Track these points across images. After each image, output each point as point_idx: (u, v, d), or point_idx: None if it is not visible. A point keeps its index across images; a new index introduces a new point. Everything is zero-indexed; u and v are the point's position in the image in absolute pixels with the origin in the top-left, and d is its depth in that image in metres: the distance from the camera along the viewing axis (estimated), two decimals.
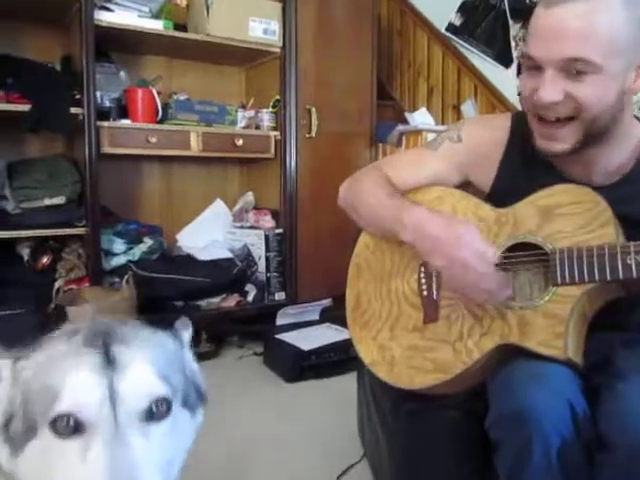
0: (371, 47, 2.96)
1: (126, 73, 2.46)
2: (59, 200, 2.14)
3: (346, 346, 1.97)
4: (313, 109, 2.66)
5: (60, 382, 0.53)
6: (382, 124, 3.10)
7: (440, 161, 1.19)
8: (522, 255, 1.00)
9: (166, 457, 0.56)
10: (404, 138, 2.86)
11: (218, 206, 2.89)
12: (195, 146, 2.39)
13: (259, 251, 2.68)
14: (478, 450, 0.99)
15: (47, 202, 2.13)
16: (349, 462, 1.57)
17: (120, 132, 2.23)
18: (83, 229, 2.17)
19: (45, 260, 2.19)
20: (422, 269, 1.12)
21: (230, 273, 2.58)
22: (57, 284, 1.97)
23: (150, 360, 0.57)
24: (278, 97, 2.62)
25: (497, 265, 0.97)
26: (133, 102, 2.27)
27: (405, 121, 3.04)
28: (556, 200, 0.98)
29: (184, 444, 0.61)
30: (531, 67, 0.96)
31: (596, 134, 0.97)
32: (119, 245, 2.35)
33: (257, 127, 2.62)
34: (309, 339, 2.35)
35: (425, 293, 1.10)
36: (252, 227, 2.74)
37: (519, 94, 0.98)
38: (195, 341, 2.19)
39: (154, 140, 2.27)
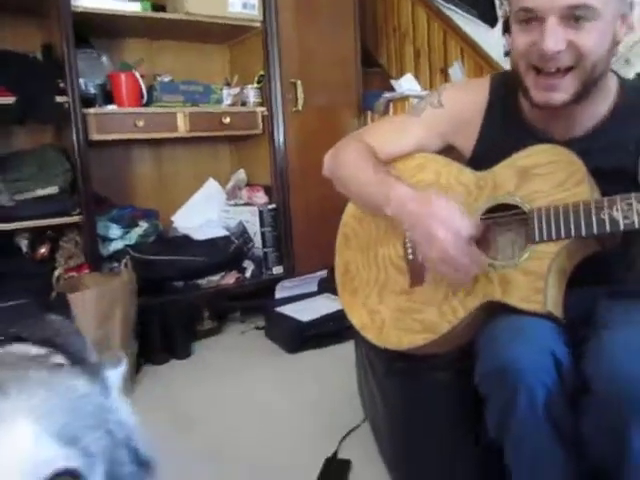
0: (353, 15, 2.94)
1: (108, 58, 2.45)
2: (52, 190, 2.16)
3: (344, 315, 2.01)
4: (298, 82, 2.66)
5: None
6: (370, 92, 3.09)
7: (422, 127, 1.21)
8: (501, 216, 1.03)
9: None
10: (391, 105, 2.86)
11: (211, 185, 2.91)
12: (182, 127, 2.40)
13: (254, 227, 2.71)
14: (470, 408, 1.03)
15: (40, 193, 2.15)
16: (351, 426, 1.63)
17: (107, 118, 2.23)
18: (78, 217, 2.19)
19: (43, 250, 2.22)
20: (407, 235, 1.15)
21: (227, 251, 2.61)
22: (57, 272, 1.99)
23: (41, 413, 0.38)
24: (262, 72, 2.62)
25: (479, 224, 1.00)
26: (117, 87, 2.27)
27: (392, 88, 3.03)
28: (533, 160, 1.01)
29: None
30: (526, 20, 0.96)
31: (592, 84, 0.99)
32: (115, 230, 2.38)
33: (243, 104, 2.62)
34: (308, 310, 2.39)
35: (411, 257, 1.13)
36: (246, 204, 2.76)
37: (506, 54, 0.98)
38: (197, 320, 2.25)
39: (141, 124, 2.27)
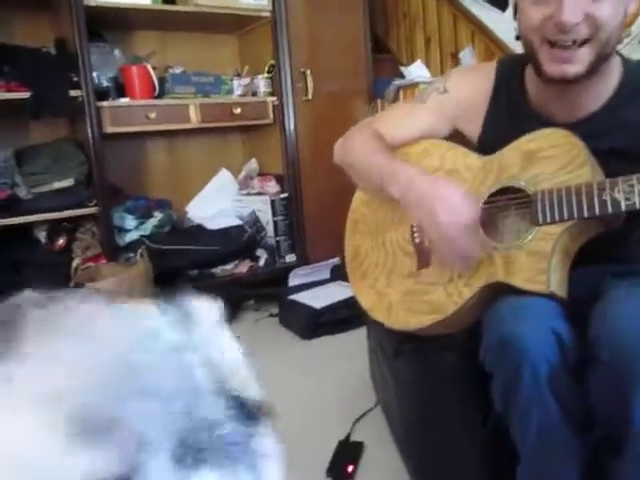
0: (362, 1, 2.93)
1: (120, 51, 2.49)
2: (68, 183, 2.21)
3: (357, 302, 2.04)
4: (308, 71, 2.67)
5: None
6: (380, 79, 3.09)
7: (429, 113, 1.22)
8: (507, 199, 1.05)
9: None
10: (401, 92, 2.86)
11: (223, 175, 2.94)
12: (194, 118, 2.43)
13: (267, 216, 2.74)
14: (478, 387, 1.05)
15: (57, 185, 2.20)
16: (364, 409, 1.66)
17: (120, 111, 2.28)
18: (94, 209, 2.24)
19: (61, 241, 2.27)
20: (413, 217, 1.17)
21: (240, 240, 2.65)
22: (74, 263, 2.05)
23: (64, 387, 0.27)
24: (272, 62, 2.63)
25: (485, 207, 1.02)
26: (130, 80, 2.30)
27: (402, 75, 3.03)
28: (538, 144, 1.02)
29: None
30: None
31: (604, 58, 0.99)
32: (130, 221, 2.42)
33: (254, 94, 2.65)
34: (321, 297, 2.43)
35: (417, 241, 1.16)
36: (258, 193, 2.80)
37: (517, 38, 0.98)
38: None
39: (153, 116, 2.31)
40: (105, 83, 2.33)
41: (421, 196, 1.02)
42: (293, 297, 2.49)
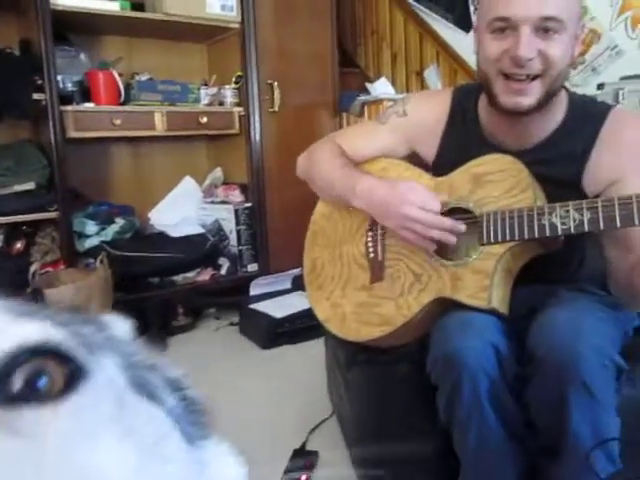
0: (331, 17, 2.99)
1: (86, 55, 2.47)
2: (29, 186, 2.18)
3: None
4: (275, 84, 2.71)
5: None
6: (346, 93, 3.15)
7: (388, 134, 1.28)
8: (456, 219, 1.10)
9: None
10: (366, 108, 2.93)
11: (188, 183, 2.94)
12: (160, 126, 2.43)
13: (230, 225, 2.75)
14: (426, 397, 1.10)
15: (17, 188, 2.17)
16: (320, 418, 1.70)
17: (84, 116, 2.26)
18: (55, 213, 2.22)
19: (19, 245, 2.24)
20: (369, 234, 1.22)
21: (203, 248, 2.65)
22: (32, 268, 2.02)
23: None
24: (240, 73, 2.66)
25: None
26: (95, 85, 2.30)
27: (367, 90, 3.10)
28: (485, 168, 1.08)
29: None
30: (500, 30, 1.03)
31: (553, 93, 1.06)
32: (91, 227, 2.40)
33: (221, 103, 2.67)
34: (282, 307, 2.45)
35: (372, 255, 1.21)
36: (222, 202, 2.81)
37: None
38: (172, 315, 2.28)
39: (119, 122, 2.31)
40: (70, 87, 2.31)
41: (384, 202, 1.08)
42: (254, 306, 2.51)
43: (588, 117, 1.10)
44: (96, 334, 0.30)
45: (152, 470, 0.28)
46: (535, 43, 0.99)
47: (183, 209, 2.86)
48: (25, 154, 2.26)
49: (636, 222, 0.86)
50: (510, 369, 0.95)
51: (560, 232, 0.94)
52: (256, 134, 2.70)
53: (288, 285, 2.70)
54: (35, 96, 2.15)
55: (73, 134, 2.22)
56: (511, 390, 0.95)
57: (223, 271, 2.70)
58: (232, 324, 2.60)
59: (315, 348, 2.17)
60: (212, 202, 2.86)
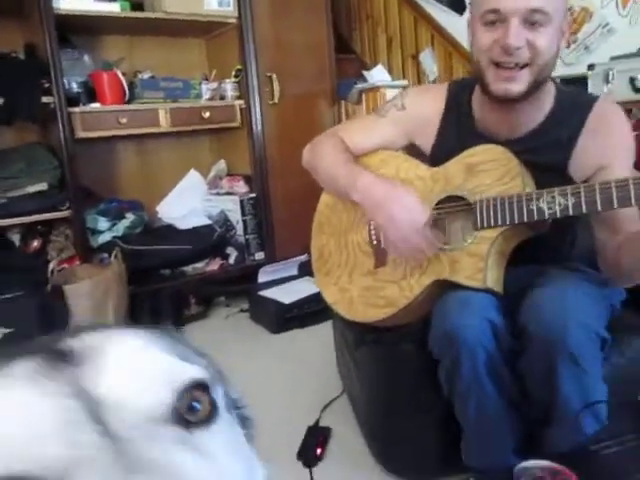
0: (325, 5, 3.03)
1: (90, 57, 2.54)
2: (42, 187, 2.27)
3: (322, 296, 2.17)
4: (274, 76, 2.77)
5: None
6: (343, 81, 3.21)
7: (388, 127, 1.36)
8: (453, 206, 1.19)
9: None
10: (363, 95, 2.99)
11: (193, 176, 3.02)
12: (164, 122, 2.51)
13: (236, 215, 2.84)
14: (429, 372, 1.19)
15: (30, 189, 2.26)
16: (331, 396, 1.79)
17: (91, 116, 2.34)
18: (67, 212, 2.31)
19: (36, 244, 2.33)
20: (371, 222, 1.30)
21: (210, 238, 2.74)
22: (51, 265, 2.11)
23: (154, 341, 0.35)
24: (239, 67, 2.72)
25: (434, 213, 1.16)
26: (100, 86, 2.37)
27: (364, 78, 3.15)
28: (478, 159, 1.16)
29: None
30: (490, 22, 1.10)
31: (541, 81, 1.14)
32: (103, 223, 2.49)
33: (222, 97, 2.74)
34: (289, 293, 2.54)
35: (375, 242, 1.29)
36: (227, 193, 2.89)
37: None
38: (184, 305, 2.37)
39: (124, 120, 2.38)
40: (75, 88, 2.38)
41: (380, 200, 1.17)
42: (262, 293, 2.60)
43: (575, 107, 1.17)
44: (212, 369, 0.38)
45: (249, 470, 0.35)
46: (523, 33, 1.07)
47: (189, 201, 2.94)
48: (35, 156, 2.34)
49: (615, 205, 0.94)
50: (506, 343, 1.04)
51: (547, 216, 1.02)
52: (257, 126, 2.77)
53: (295, 271, 2.79)
54: (43, 99, 2.22)
55: (82, 134, 2.30)
56: (507, 362, 1.04)
57: (231, 260, 2.79)
58: (242, 311, 2.69)
59: (323, 331, 2.26)
60: (217, 194, 2.94)
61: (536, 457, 0.83)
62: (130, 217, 2.59)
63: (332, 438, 1.63)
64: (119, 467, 0.26)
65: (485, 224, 1.10)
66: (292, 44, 2.88)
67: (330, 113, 3.09)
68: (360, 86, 2.96)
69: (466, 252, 1.12)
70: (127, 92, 2.43)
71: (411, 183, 1.25)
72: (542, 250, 1.18)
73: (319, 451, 1.57)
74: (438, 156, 1.27)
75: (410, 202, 1.14)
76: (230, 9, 2.64)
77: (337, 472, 1.50)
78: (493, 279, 1.08)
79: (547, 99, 1.20)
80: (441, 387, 1.12)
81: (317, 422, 1.69)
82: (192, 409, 0.32)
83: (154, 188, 2.88)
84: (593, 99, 1.19)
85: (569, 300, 1.00)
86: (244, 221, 2.81)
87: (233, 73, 2.76)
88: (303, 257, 2.78)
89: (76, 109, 2.29)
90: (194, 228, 2.73)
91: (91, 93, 2.41)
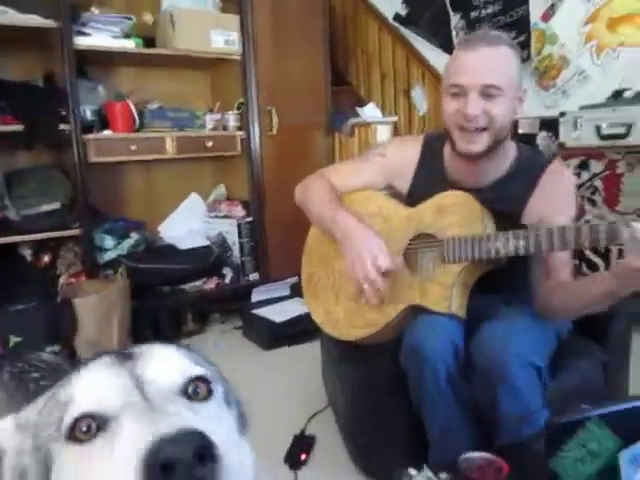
0: (323, 44, 3.26)
1: (103, 87, 2.73)
2: (55, 206, 2.44)
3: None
4: (273, 110, 2.99)
5: (70, 390, 0.51)
6: (338, 114, 3.43)
7: (370, 171, 1.57)
8: (425, 242, 1.38)
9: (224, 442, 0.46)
10: (356, 129, 3.21)
11: (194, 199, 3.21)
12: (170, 149, 2.70)
13: (233, 237, 3.02)
14: (402, 384, 1.37)
15: (45, 208, 2.43)
16: (317, 408, 1.96)
17: (104, 143, 2.53)
18: (78, 230, 2.48)
19: (46, 259, 2.50)
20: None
21: (208, 259, 2.92)
22: (61, 280, 2.28)
23: (178, 351, 0.57)
24: (242, 100, 2.93)
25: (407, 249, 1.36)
26: (113, 115, 2.56)
27: (357, 114, 3.38)
28: (446, 202, 1.37)
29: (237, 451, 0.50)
30: (454, 94, 1.31)
31: (498, 142, 1.34)
32: (109, 241, 2.66)
33: (224, 128, 2.94)
34: (281, 312, 2.72)
35: None
36: (225, 216, 3.08)
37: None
38: (182, 321, 2.55)
39: (134, 147, 2.58)
40: (90, 117, 2.56)
41: (353, 241, 1.38)
42: (255, 312, 2.78)
43: (530, 168, 1.38)
44: (214, 371, 0.60)
45: (230, 435, 0.53)
46: (480, 104, 1.28)
47: (190, 223, 3.12)
48: (49, 177, 2.52)
49: (556, 247, 1.14)
50: (464, 361, 1.23)
51: (502, 255, 1.22)
52: (256, 155, 2.98)
53: (286, 292, 2.97)
54: (60, 126, 2.41)
55: (94, 159, 2.49)
56: (464, 376, 1.23)
57: (227, 280, 2.96)
58: (236, 328, 2.86)
59: (310, 349, 2.44)
60: (216, 216, 3.12)
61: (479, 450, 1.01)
62: (134, 236, 2.77)
63: (316, 445, 1.80)
64: (149, 411, 0.47)
65: (451, 259, 1.29)
66: (291, 80, 3.10)
67: (325, 144, 3.30)
68: (354, 120, 3.18)
69: (435, 282, 1.31)
70: (137, 121, 2.62)
71: (390, 222, 1.46)
72: (501, 281, 1.37)
73: (304, 457, 1.74)
74: (413, 196, 1.48)
75: (378, 250, 1.35)
76: (235, 47, 2.86)
77: (320, 475, 1.66)
78: (457, 305, 1.27)
79: (507, 158, 1.40)
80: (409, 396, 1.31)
81: (303, 431, 1.85)
82: (195, 392, 0.53)
83: (157, 209, 3.06)
84: (546, 162, 1.40)
85: (510, 335, 1.20)
86: (240, 243, 3.00)
87: (235, 105, 2.97)
88: (294, 279, 2.95)
89: (90, 136, 2.48)
90: (193, 248, 2.91)
91: (104, 121, 2.60)
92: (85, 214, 2.49)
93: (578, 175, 3.14)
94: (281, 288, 2.98)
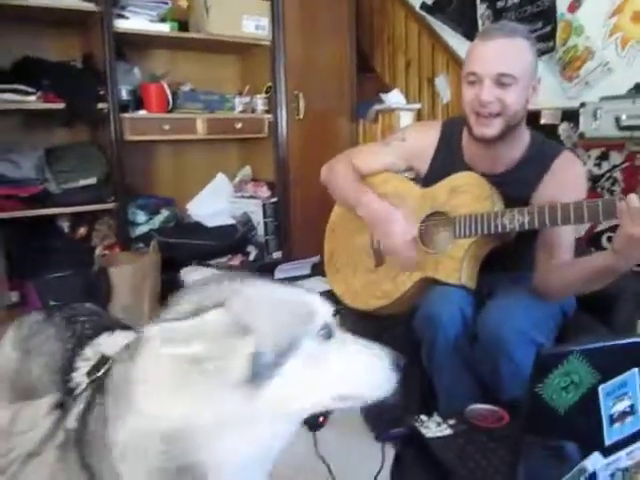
0: (349, 31, 3.35)
1: (139, 68, 2.86)
2: (92, 181, 2.58)
3: (332, 295, 2.45)
4: (300, 94, 3.09)
5: (311, 307, 0.70)
6: (363, 101, 3.52)
7: (390, 154, 1.67)
8: (438, 219, 1.49)
9: None
10: (380, 115, 3.29)
11: (221, 179, 3.33)
12: (201, 130, 2.83)
13: (258, 217, 3.15)
14: (417, 349, 1.48)
15: (82, 183, 2.57)
16: None
17: (139, 122, 2.66)
18: (112, 204, 2.62)
19: (82, 231, 2.65)
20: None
21: (234, 237, 3.04)
22: (97, 251, 2.43)
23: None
24: (270, 84, 3.04)
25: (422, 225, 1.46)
26: (148, 96, 2.69)
27: (382, 100, 3.46)
28: (458, 182, 1.47)
29: None
30: (471, 82, 1.40)
31: (512, 127, 1.42)
32: (141, 216, 2.81)
33: (253, 111, 3.05)
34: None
35: (375, 246, 1.60)
36: (251, 197, 3.20)
37: None
38: None
39: (167, 127, 2.70)
40: (125, 97, 2.69)
41: (378, 218, 1.50)
42: None
43: (543, 154, 1.46)
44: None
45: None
46: (495, 91, 1.36)
47: (217, 202, 3.25)
48: (87, 153, 2.66)
49: (559, 222, 1.23)
50: (471, 327, 1.33)
51: (508, 229, 1.32)
52: (283, 138, 3.09)
53: (308, 271, 3.09)
54: (98, 105, 2.55)
55: (129, 137, 2.62)
56: (470, 342, 1.34)
57: (251, 257, 3.09)
58: None
59: None
60: (242, 196, 3.25)
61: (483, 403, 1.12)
62: (165, 213, 2.91)
63: (334, 411, 1.92)
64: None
65: (462, 234, 1.40)
66: (318, 66, 3.20)
67: (349, 130, 3.39)
68: (377, 107, 3.26)
69: (447, 256, 1.42)
70: (170, 102, 2.74)
71: (405, 200, 1.56)
72: (510, 260, 1.46)
73: (322, 419, 1.86)
74: (431, 178, 1.58)
75: (402, 221, 1.46)
76: (265, 33, 2.96)
77: (337, 437, 1.79)
78: (467, 277, 1.37)
79: (521, 144, 1.48)
80: (422, 360, 1.42)
81: None
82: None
83: (186, 188, 3.19)
84: (559, 150, 1.47)
85: (511, 311, 1.29)
86: (265, 223, 3.12)
87: (264, 89, 3.07)
88: (316, 258, 3.07)
89: (126, 115, 2.61)
90: (219, 226, 3.04)
91: (139, 101, 2.73)
92: (120, 189, 2.63)
93: (598, 166, 3.20)
94: (303, 267, 3.09)
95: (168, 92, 2.72)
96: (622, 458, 0.80)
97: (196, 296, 0.69)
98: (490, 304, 1.35)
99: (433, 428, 1.03)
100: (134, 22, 2.62)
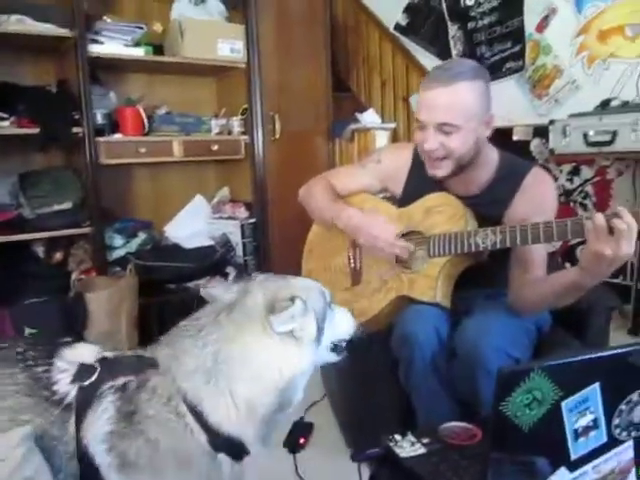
0: (325, 53, 3.39)
1: (114, 92, 2.86)
2: (67, 205, 2.56)
3: None
4: (276, 116, 3.11)
5: (321, 287, 1.07)
6: (338, 121, 3.56)
7: (367, 176, 1.70)
8: (413, 238, 1.51)
9: None
10: (356, 134, 3.33)
11: (198, 200, 3.32)
12: (177, 152, 2.82)
13: (236, 238, 3.14)
14: (394, 368, 1.49)
15: (56, 207, 2.55)
16: (315, 399, 2.07)
17: (114, 145, 2.65)
18: (88, 229, 2.60)
19: (58, 256, 2.62)
20: (350, 250, 1.63)
21: (212, 258, 3.03)
22: (73, 276, 2.40)
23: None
24: (246, 106, 3.06)
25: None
26: (123, 119, 2.69)
27: (357, 120, 3.51)
28: (433, 202, 1.50)
29: None
30: (420, 127, 1.44)
31: (464, 164, 1.46)
32: (118, 240, 2.78)
33: (229, 132, 3.06)
34: None
35: (352, 265, 1.62)
36: (229, 217, 3.20)
37: None
38: (187, 317, 2.66)
39: (143, 150, 2.70)
40: (101, 120, 2.68)
41: (359, 225, 1.52)
42: None
43: (513, 174, 1.48)
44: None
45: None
46: (439, 138, 1.40)
47: (195, 223, 3.24)
48: (62, 178, 2.64)
49: (529, 241, 1.26)
50: (447, 346, 1.35)
51: (481, 248, 1.34)
52: (259, 159, 3.10)
53: None
54: (73, 129, 2.54)
55: (105, 161, 2.61)
56: (446, 359, 1.35)
57: (230, 279, 3.07)
58: None
59: None
60: (220, 217, 3.24)
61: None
62: (142, 235, 2.89)
63: (314, 432, 1.91)
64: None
65: (436, 253, 1.41)
66: (294, 87, 3.23)
67: (325, 149, 3.42)
68: (353, 126, 3.31)
69: (422, 274, 1.43)
70: (146, 125, 2.74)
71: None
72: (484, 278, 1.48)
73: (302, 440, 1.86)
74: (405, 199, 1.61)
75: (381, 222, 1.51)
76: (240, 55, 2.99)
77: (317, 458, 1.78)
78: (442, 295, 1.39)
79: (489, 166, 1.51)
80: (399, 379, 1.43)
81: (302, 418, 1.97)
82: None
83: (163, 210, 3.18)
84: (529, 167, 1.50)
85: (488, 328, 1.31)
86: (243, 243, 3.12)
87: (240, 111, 3.09)
88: None
89: (101, 139, 2.60)
90: (198, 248, 3.02)
91: (114, 125, 2.72)
92: (96, 213, 2.61)
93: (570, 181, 3.28)
94: None
95: (144, 115, 2.73)
96: (588, 472, 0.81)
97: (257, 286, 1.05)
98: (467, 321, 1.36)
99: (407, 447, 1.04)
100: (108, 47, 2.62)
